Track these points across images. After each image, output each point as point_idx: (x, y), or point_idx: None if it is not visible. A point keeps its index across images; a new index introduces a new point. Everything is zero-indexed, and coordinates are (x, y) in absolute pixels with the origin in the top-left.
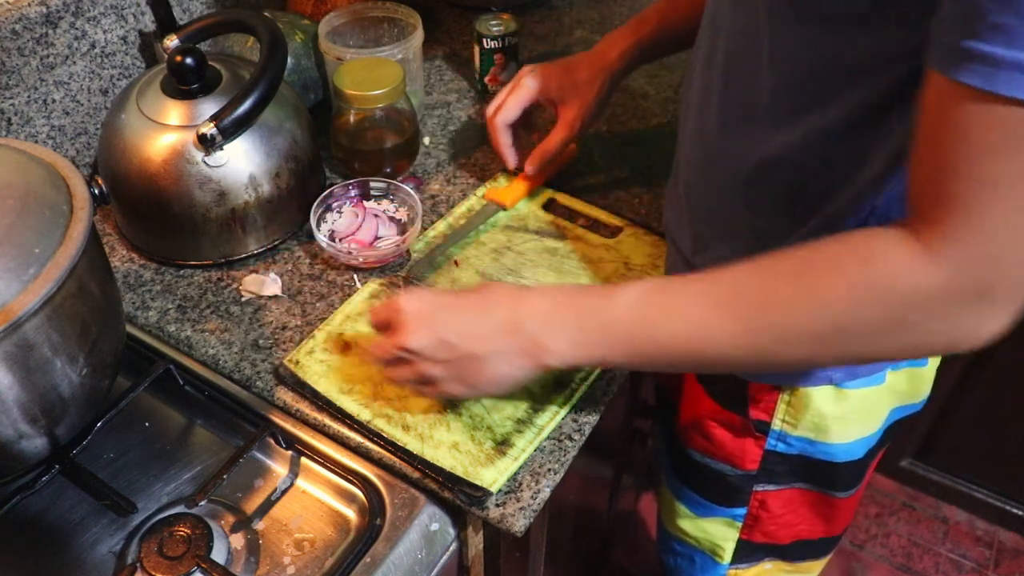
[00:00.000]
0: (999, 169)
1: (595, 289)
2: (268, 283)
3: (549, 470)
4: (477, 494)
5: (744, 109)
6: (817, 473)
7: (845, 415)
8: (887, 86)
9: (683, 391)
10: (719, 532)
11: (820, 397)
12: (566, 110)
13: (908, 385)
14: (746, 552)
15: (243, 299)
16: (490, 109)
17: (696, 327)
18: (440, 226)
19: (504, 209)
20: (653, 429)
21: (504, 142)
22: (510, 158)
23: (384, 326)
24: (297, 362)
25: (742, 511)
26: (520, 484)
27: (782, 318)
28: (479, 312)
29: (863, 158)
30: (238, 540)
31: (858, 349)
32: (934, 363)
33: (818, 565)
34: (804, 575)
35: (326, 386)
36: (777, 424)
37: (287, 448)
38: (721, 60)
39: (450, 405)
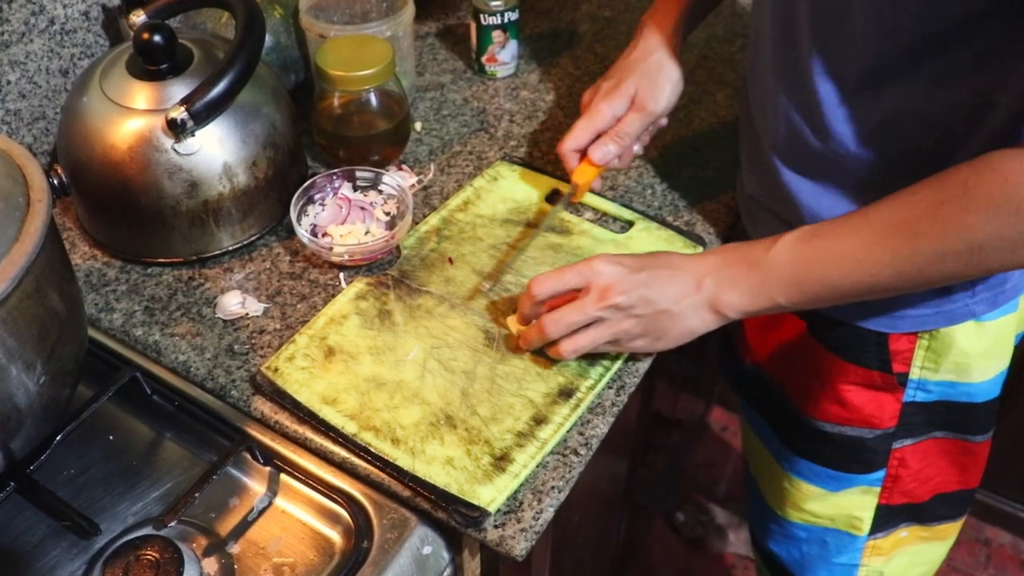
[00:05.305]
0: None
1: (757, 242)
2: (248, 303)
3: (553, 488)
4: (474, 514)
5: (851, 78)
6: (955, 418)
7: (986, 350)
8: (1000, 32)
9: (797, 371)
10: (856, 503)
11: (963, 334)
12: (641, 98)
13: None
14: (885, 518)
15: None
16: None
17: (858, 263)
18: (433, 220)
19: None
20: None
21: (571, 167)
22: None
23: (569, 293)
24: (276, 369)
25: (880, 474)
26: (521, 503)
27: (932, 244)
28: (669, 271)
29: (984, 104)
30: (211, 565)
31: (1001, 259)
32: None
33: (953, 529)
34: (940, 541)
35: (308, 396)
36: (916, 372)
37: (265, 464)
38: (807, 36)
39: (444, 417)
